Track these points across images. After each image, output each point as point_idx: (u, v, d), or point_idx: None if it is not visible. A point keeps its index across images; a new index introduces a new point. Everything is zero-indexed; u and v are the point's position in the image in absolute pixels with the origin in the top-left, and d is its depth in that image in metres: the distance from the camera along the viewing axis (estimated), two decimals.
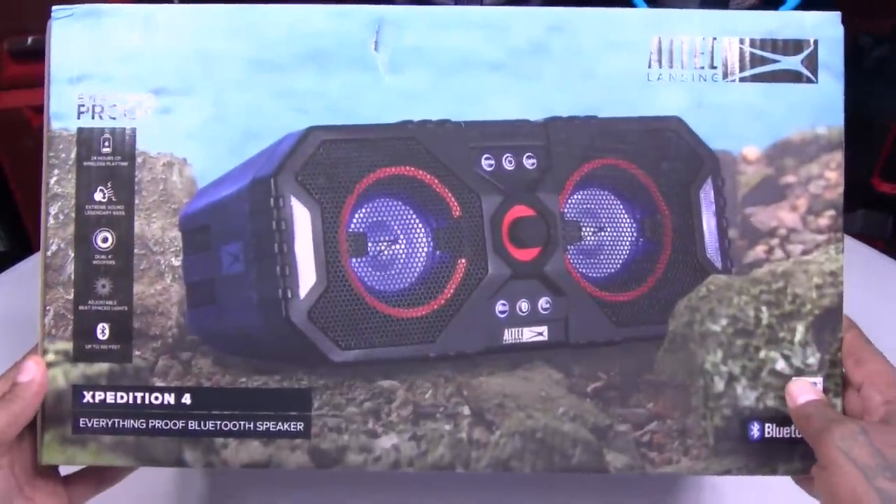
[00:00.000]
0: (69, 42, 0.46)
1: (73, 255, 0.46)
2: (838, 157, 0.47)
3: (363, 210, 0.45)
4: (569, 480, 0.59)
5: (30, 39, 0.99)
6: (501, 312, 0.46)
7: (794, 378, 0.46)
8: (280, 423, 0.46)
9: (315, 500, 0.60)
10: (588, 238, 0.48)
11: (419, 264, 0.46)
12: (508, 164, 0.47)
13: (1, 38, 1.01)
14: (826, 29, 0.47)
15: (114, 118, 0.46)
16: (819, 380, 0.46)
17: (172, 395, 0.46)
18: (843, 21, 0.47)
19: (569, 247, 0.47)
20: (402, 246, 0.46)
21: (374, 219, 0.46)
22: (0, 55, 1.02)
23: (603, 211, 0.48)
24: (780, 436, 0.46)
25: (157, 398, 0.46)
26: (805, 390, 0.45)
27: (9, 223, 1.14)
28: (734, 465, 0.46)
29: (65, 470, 0.48)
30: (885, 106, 1.05)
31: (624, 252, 0.48)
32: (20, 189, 1.10)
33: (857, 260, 0.55)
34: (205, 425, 0.46)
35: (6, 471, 0.43)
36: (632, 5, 0.90)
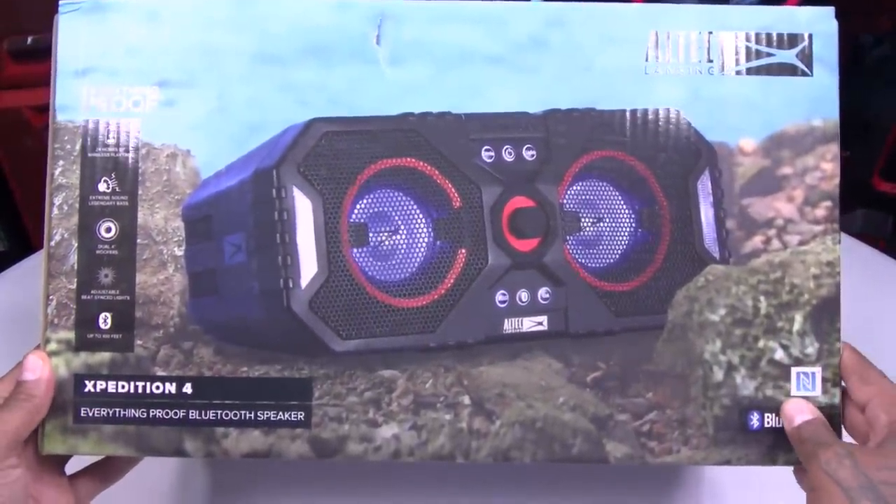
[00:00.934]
0: (75, 35, 0.47)
1: (76, 244, 0.46)
2: (834, 148, 0.48)
3: (364, 201, 0.46)
4: (569, 476, 0.59)
5: (29, 39, 0.99)
6: (501, 302, 0.47)
7: (788, 399, 0.46)
8: (281, 413, 0.46)
9: (316, 496, 0.60)
10: (587, 229, 0.48)
11: (420, 254, 0.46)
12: (508, 155, 0.47)
13: (1, 38, 1.01)
14: (820, 23, 0.48)
15: (119, 110, 0.47)
16: (818, 370, 0.46)
17: (173, 384, 0.46)
18: (844, 20, 0.48)
19: (568, 237, 0.47)
20: (403, 236, 0.46)
21: (376, 209, 0.46)
22: (0, 55, 1.02)
23: (602, 202, 0.48)
24: (780, 425, 0.46)
25: (158, 387, 0.46)
26: (801, 410, 0.45)
27: (9, 223, 1.14)
28: (734, 455, 0.46)
29: (69, 467, 0.48)
30: (884, 106, 1.05)
31: (623, 242, 0.49)
32: (20, 189, 1.10)
33: (857, 260, 0.56)
34: (206, 415, 0.46)
35: (22, 469, 0.43)
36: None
